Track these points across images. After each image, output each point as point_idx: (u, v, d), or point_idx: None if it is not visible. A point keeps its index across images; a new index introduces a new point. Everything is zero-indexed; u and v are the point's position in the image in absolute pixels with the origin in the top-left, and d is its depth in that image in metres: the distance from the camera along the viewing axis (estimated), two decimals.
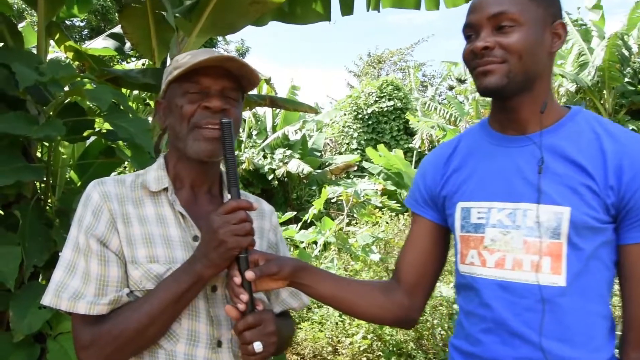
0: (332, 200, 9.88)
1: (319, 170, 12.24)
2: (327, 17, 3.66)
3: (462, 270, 1.27)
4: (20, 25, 4.88)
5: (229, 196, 1.17)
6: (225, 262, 1.14)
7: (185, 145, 1.24)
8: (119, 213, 1.21)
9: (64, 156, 3.39)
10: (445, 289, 4.98)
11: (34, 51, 2.93)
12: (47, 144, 2.55)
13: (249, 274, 1.13)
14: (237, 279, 1.14)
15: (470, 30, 1.20)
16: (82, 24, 18.69)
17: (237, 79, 1.27)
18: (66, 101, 2.48)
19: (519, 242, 1.15)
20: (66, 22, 17.58)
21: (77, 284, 1.15)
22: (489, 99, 1.31)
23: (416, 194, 1.41)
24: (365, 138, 15.51)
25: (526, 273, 1.14)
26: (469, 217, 1.24)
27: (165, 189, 1.27)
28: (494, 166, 1.23)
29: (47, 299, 1.16)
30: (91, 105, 2.89)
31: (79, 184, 3.12)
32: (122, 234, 1.19)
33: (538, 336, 1.12)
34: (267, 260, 1.19)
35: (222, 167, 1.36)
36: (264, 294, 1.35)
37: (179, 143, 1.26)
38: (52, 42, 3.42)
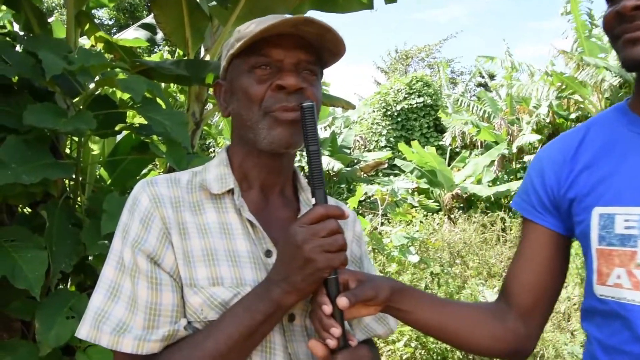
0: (364, 199, 9.65)
1: (348, 168, 12.01)
2: (370, 4, 3.43)
3: (600, 293, 0.98)
4: (50, 19, 4.78)
5: (312, 200, 0.92)
6: (311, 286, 0.89)
7: (256, 135, 0.98)
8: (174, 222, 0.96)
9: (94, 152, 3.24)
10: (489, 293, 4.72)
11: None
12: (76, 138, 2.39)
13: (342, 301, 0.88)
14: (328, 308, 0.88)
15: None
16: (110, 22, 18.77)
17: (315, 50, 1.01)
18: (96, 93, 2.30)
19: None
20: (94, 20, 17.71)
21: (122, 313, 0.91)
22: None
23: (531, 197, 1.12)
24: (395, 135, 15.21)
25: None
26: (611, 226, 0.96)
27: (230, 191, 1.02)
28: None
29: (83, 331, 0.92)
30: (123, 98, 2.72)
31: (108, 181, 2.96)
32: (177, 248, 0.94)
33: None
34: (360, 282, 0.95)
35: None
36: None
37: (247, 133, 1.00)
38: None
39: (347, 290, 0.92)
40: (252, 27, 0.97)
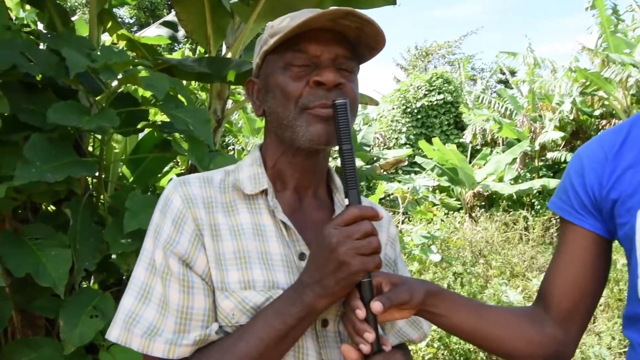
0: (383, 197, 9.59)
1: (368, 166, 11.95)
2: (392, 0, 3.39)
3: None
4: (74, 18, 4.82)
5: (345, 201, 0.88)
6: (344, 289, 0.85)
7: (294, 133, 0.94)
8: (207, 223, 0.93)
9: (116, 150, 3.25)
10: (512, 293, 4.64)
11: None
12: (99, 136, 2.38)
13: (377, 306, 0.85)
14: (361, 312, 0.85)
15: None
16: (131, 21, 18.93)
17: (352, 45, 0.97)
18: (119, 91, 2.30)
19: None
20: (116, 18, 17.88)
21: (153, 316, 0.90)
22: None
23: (571, 197, 1.07)
24: (415, 132, 15.10)
25: None
26: None
27: (264, 192, 0.99)
28: None
29: (114, 334, 0.90)
30: (145, 96, 2.72)
31: (131, 179, 2.96)
32: (209, 251, 0.92)
33: None
34: (393, 285, 0.92)
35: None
36: None
37: (284, 132, 0.96)
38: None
39: (380, 294, 0.89)
40: (286, 22, 0.94)
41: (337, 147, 0.92)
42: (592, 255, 1.05)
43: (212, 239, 0.93)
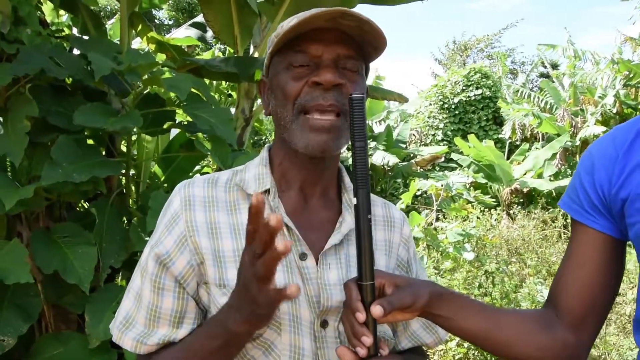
0: (419, 194, 9.51)
1: (404, 163, 11.87)
2: None
3: None
4: (110, 22, 4.95)
5: (354, 200, 0.87)
6: (265, 320, 0.81)
7: (290, 135, 0.94)
8: (204, 223, 0.95)
9: (148, 149, 3.33)
10: (548, 292, 4.53)
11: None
12: (133, 136, 2.46)
13: (377, 310, 0.83)
14: (361, 315, 0.84)
15: None
16: (170, 22, 19.29)
17: (357, 44, 0.95)
18: (145, 92, 2.36)
19: None
20: (155, 21, 18.24)
21: (129, 306, 0.99)
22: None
23: (580, 196, 1.02)
24: (452, 129, 14.88)
25: None
26: None
27: (267, 191, 0.99)
28: None
29: (114, 335, 0.99)
30: (171, 97, 2.78)
31: (162, 178, 3.03)
32: (206, 249, 0.94)
33: None
34: (397, 287, 0.90)
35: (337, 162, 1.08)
36: (388, 325, 1.05)
37: (283, 132, 0.97)
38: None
39: (383, 296, 0.88)
40: (293, 22, 0.93)
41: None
42: (603, 257, 1.00)
43: (210, 237, 0.95)
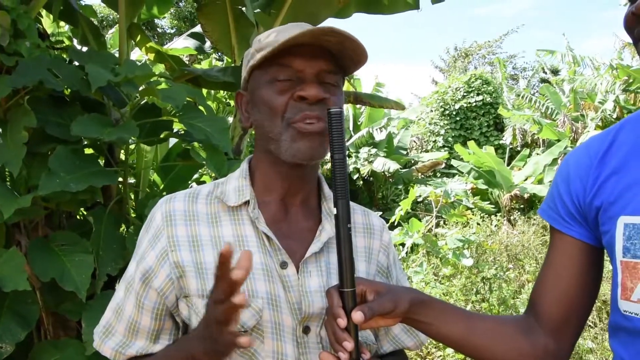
0: (419, 200, 9.52)
1: (405, 169, 11.90)
2: (415, 5, 3.39)
3: (624, 309, 0.90)
4: (110, 31, 5.01)
5: (334, 210, 0.90)
6: (225, 355, 0.88)
7: (279, 147, 0.97)
8: (185, 237, 0.99)
9: (147, 158, 3.37)
10: None
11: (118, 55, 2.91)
12: (132, 146, 2.49)
13: (357, 316, 0.86)
14: (342, 321, 0.87)
15: None
16: (172, 31, 19.40)
17: (336, 59, 0.99)
18: (143, 102, 2.40)
19: None
20: (157, 29, 18.33)
21: (110, 316, 1.05)
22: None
23: (557, 204, 1.05)
24: (453, 135, 14.91)
25: None
26: (637, 237, 0.88)
27: (247, 203, 1.02)
28: None
29: (95, 341, 1.07)
30: (168, 106, 2.82)
31: (161, 186, 3.07)
32: (187, 262, 0.98)
33: None
34: (378, 293, 0.92)
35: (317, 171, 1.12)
36: (370, 329, 1.08)
37: (269, 145, 0.99)
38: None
39: (364, 302, 0.90)
40: (272, 37, 0.97)
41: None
42: (581, 264, 1.02)
43: (191, 250, 0.98)
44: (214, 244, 0.99)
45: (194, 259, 0.98)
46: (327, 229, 1.03)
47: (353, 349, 0.87)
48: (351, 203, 1.00)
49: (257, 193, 1.04)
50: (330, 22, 3.51)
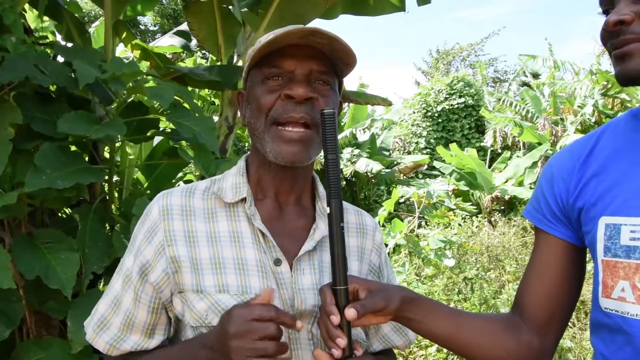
0: (402, 201, 9.59)
1: (387, 170, 11.95)
2: (402, 7, 3.42)
3: (605, 306, 0.94)
4: (94, 25, 4.95)
5: (327, 209, 0.92)
6: None
7: (263, 146, 1.00)
8: (182, 232, 1.00)
9: (131, 157, 3.35)
10: None
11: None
12: (116, 144, 2.48)
13: (350, 313, 0.88)
14: (336, 318, 0.89)
15: (605, 1, 0.91)
16: (155, 28, 19.23)
17: (330, 61, 1.01)
18: (129, 100, 2.38)
19: None
20: (140, 26, 18.16)
21: (105, 309, 1.05)
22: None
23: (541, 205, 1.08)
24: (435, 137, 15.02)
25: None
26: (617, 237, 0.92)
27: (243, 200, 1.04)
28: None
29: (88, 333, 1.06)
30: (155, 104, 2.81)
31: (145, 185, 3.05)
32: (183, 257, 0.99)
33: None
34: (370, 291, 0.95)
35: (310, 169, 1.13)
36: (360, 328, 1.10)
37: (256, 143, 1.02)
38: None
39: (356, 300, 0.92)
40: (269, 38, 0.98)
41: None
42: (565, 264, 1.06)
43: (187, 245, 0.99)
44: (209, 239, 1.00)
45: (190, 254, 0.99)
46: (321, 228, 1.05)
47: (346, 346, 0.89)
48: (344, 203, 1.04)
49: (252, 191, 1.06)
50: (317, 23, 3.53)
